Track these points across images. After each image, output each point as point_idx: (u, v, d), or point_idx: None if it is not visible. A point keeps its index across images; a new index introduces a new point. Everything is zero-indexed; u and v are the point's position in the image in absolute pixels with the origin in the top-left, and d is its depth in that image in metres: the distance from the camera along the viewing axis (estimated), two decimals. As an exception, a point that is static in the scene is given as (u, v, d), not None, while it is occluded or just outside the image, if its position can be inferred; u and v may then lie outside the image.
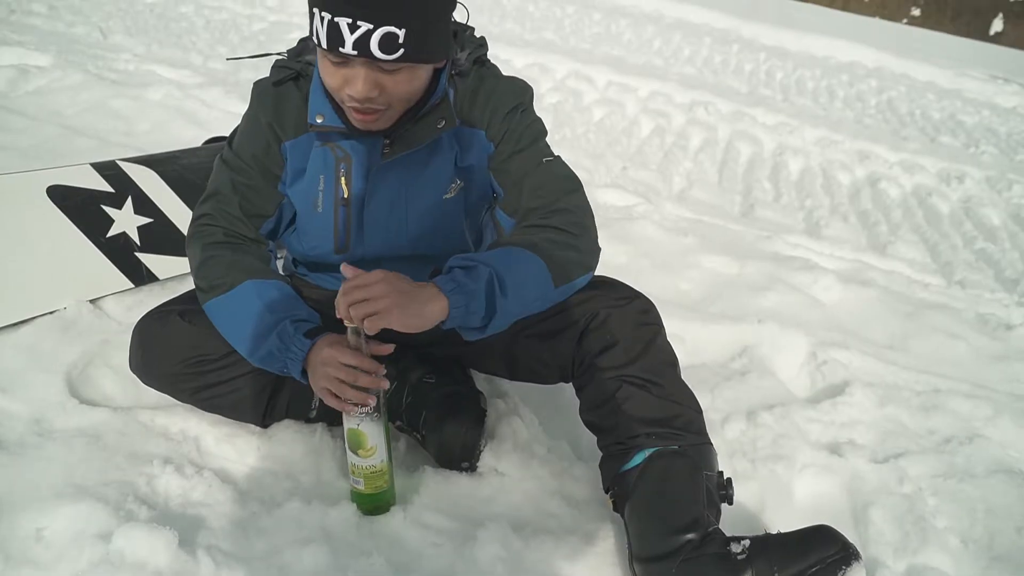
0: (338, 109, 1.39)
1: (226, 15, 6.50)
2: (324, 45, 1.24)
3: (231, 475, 1.50)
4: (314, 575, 1.29)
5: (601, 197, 3.56)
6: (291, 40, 5.96)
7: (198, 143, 2.80)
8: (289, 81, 1.46)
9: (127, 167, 2.17)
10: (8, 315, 1.81)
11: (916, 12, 37.46)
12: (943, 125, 7.21)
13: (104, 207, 2.07)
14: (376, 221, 1.49)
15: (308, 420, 1.61)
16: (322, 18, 1.21)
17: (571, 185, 1.51)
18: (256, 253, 1.49)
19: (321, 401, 1.57)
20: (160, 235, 2.13)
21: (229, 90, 4.00)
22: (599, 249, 1.50)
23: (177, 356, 1.48)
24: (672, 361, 1.49)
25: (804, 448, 1.80)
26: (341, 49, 1.22)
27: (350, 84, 1.28)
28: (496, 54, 6.62)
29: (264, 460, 1.55)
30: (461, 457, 1.55)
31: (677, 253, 2.95)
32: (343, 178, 1.45)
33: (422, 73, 1.33)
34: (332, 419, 1.62)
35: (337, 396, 1.31)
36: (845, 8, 32.93)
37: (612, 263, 2.77)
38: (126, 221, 2.09)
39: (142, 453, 1.50)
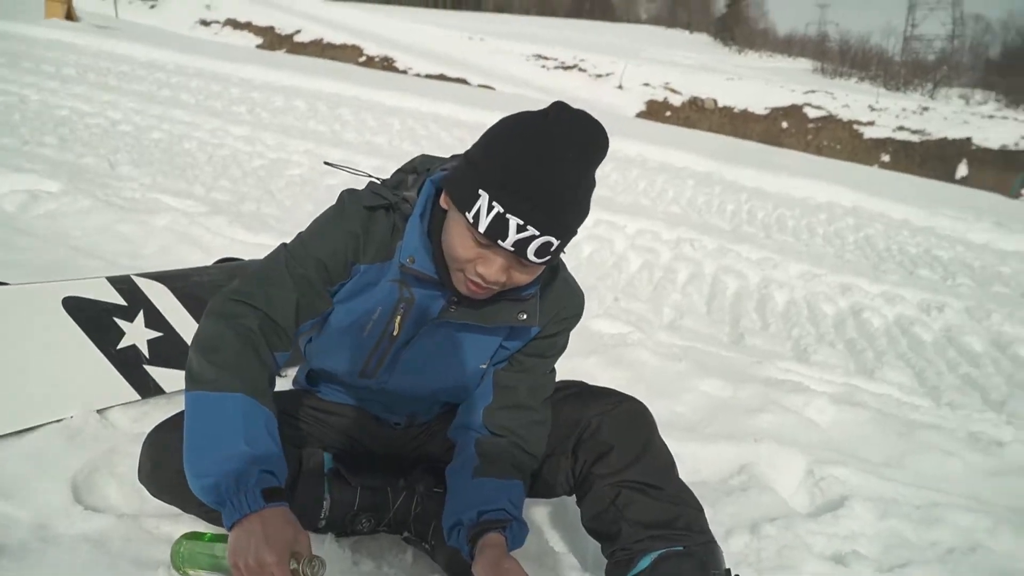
0: (438, 259, 1.39)
1: (227, 151, 6.74)
2: (482, 231, 1.24)
3: (237, 582, 1.48)
4: None
5: (595, 326, 3.64)
6: (290, 176, 6.18)
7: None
8: (380, 209, 1.45)
9: (140, 282, 2.23)
10: (14, 422, 1.81)
11: (886, 158, 39.11)
12: (920, 259, 7.43)
13: (116, 319, 2.12)
14: (410, 367, 1.52)
15: (316, 530, 1.59)
16: (491, 206, 1.22)
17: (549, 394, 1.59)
18: (268, 364, 1.39)
19: (331, 510, 1.58)
20: (169, 349, 2.18)
21: (232, 219, 4.12)
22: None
23: None
24: (669, 462, 1.52)
25: (809, 559, 1.80)
26: (501, 243, 1.24)
27: (484, 265, 1.29)
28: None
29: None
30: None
31: (672, 378, 3.00)
32: (399, 318, 1.46)
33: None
34: (340, 529, 1.62)
35: None
36: (819, 154, 34.37)
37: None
38: (137, 334, 2.14)
39: (147, 559, 1.49)
